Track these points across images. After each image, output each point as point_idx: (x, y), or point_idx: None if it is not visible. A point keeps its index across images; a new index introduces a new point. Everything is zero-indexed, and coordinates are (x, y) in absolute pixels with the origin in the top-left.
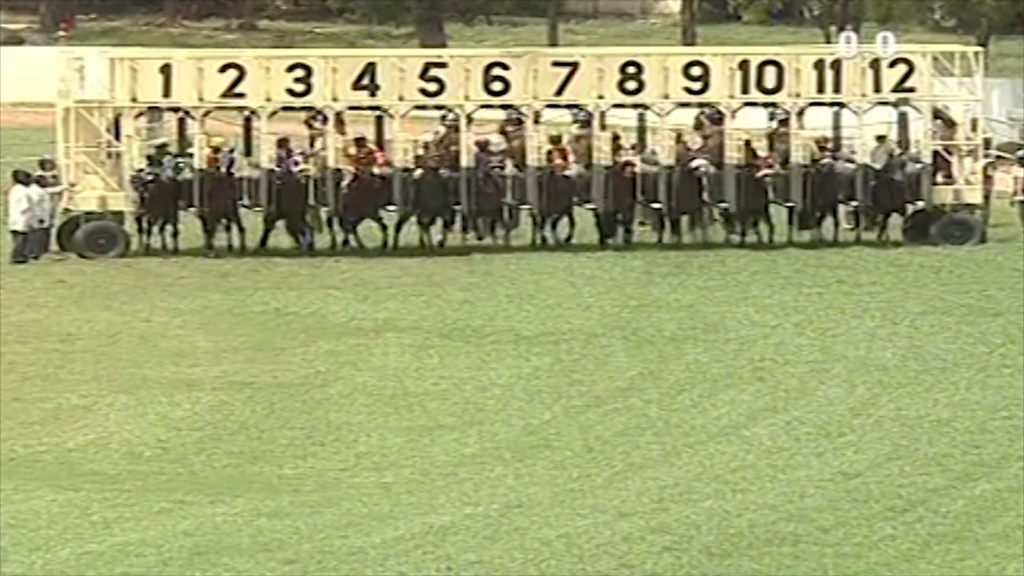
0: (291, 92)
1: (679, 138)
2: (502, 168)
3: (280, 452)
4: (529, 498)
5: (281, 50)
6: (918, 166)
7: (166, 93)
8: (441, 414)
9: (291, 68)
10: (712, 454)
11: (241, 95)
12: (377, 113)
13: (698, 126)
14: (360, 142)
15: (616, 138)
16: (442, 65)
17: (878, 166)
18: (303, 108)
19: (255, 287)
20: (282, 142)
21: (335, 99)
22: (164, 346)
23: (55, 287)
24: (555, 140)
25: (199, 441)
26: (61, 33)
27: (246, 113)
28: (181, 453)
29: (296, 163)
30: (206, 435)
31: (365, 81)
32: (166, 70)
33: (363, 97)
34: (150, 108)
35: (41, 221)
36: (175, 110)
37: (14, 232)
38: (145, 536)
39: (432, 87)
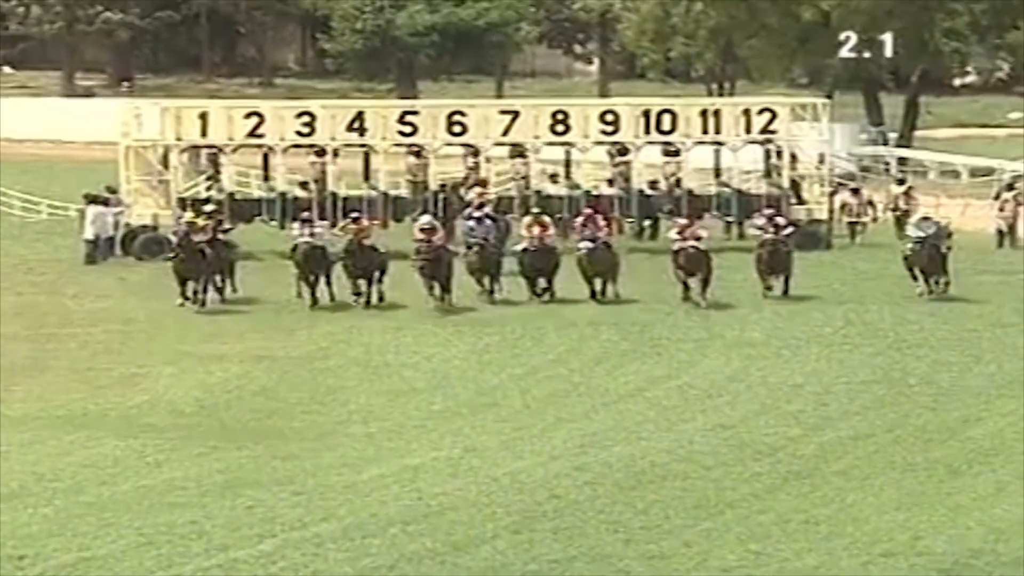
0: (299, 133)
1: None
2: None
3: (290, 409)
4: (481, 444)
5: (291, 101)
6: (778, 191)
7: (203, 134)
8: (414, 380)
9: (299, 115)
10: (622, 411)
11: (261, 135)
12: (365, 149)
13: (611, 158)
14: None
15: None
16: (415, 113)
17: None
18: (309, 145)
19: (271, 282)
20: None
21: (333, 138)
22: (201, 328)
23: (118, 283)
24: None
25: (228, 401)
26: (124, 88)
27: (264, 149)
28: (214, 410)
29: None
30: (233, 396)
31: (356, 124)
32: (203, 116)
33: (354, 137)
34: (191, 146)
35: (108, 232)
36: (210, 147)
37: (86, 240)
38: (187, 473)
39: (407, 129)
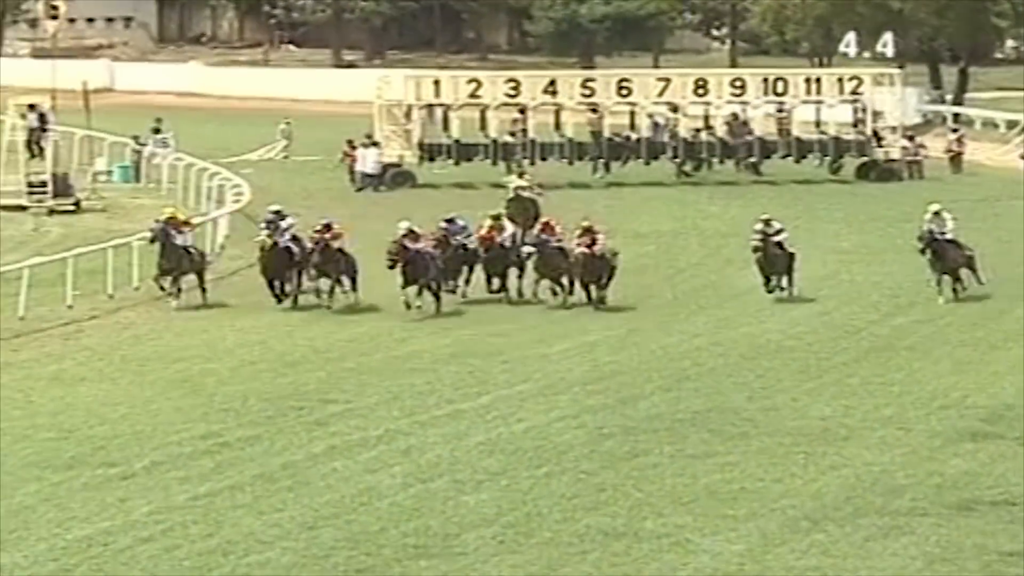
0: (507, 95)
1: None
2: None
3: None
4: (641, 326)
5: (501, 71)
6: (863, 137)
7: (436, 95)
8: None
9: (507, 81)
10: (745, 302)
11: (479, 96)
12: (556, 107)
13: (733, 118)
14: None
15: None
16: (593, 80)
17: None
18: (514, 104)
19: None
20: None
21: (532, 99)
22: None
23: (375, 205)
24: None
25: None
26: (377, 61)
27: (481, 107)
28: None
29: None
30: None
31: (550, 89)
32: (437, 82)
33: (548, 98)
34: (427, 105)
35: (371, 168)
36: (441, 106)
37: (362, 173)
38: (423, 347)
39: (587, 92)
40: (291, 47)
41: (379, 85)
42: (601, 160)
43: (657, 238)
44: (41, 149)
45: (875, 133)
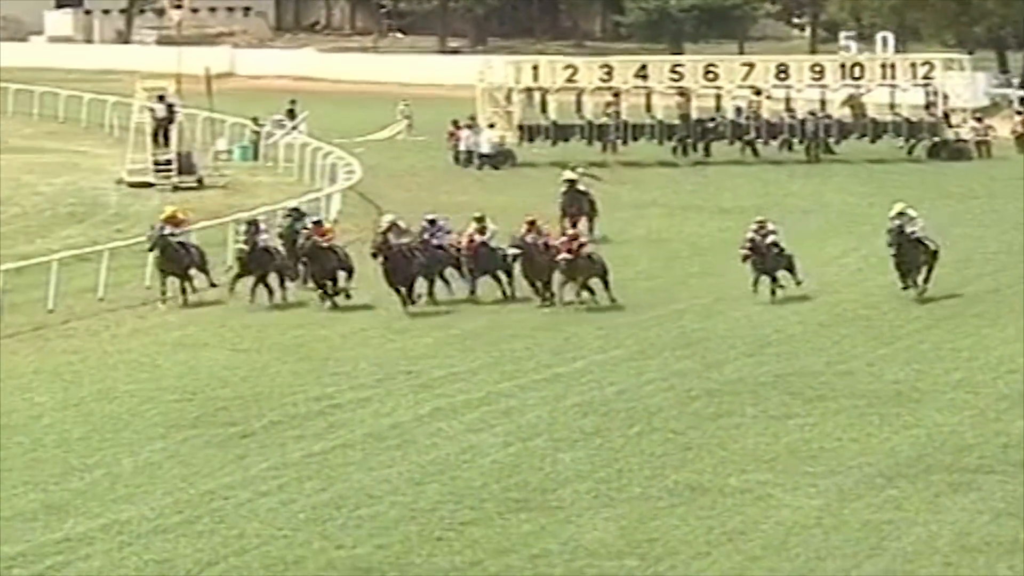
0: (601, 79)
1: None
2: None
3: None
4: (728, 295)
5: (595, 57)
6: (934, 119)
7: (535, 80)
8: (679, 250)
9: (602, 66)
10: (825, 273)
11: (575, 81)
12: (646, 91)
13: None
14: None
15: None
16: (681, 65)
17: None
18: (608, 88)
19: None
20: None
21: (624, 83)
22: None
23: (476, 183)
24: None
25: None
26: (480, 48)
27: (577, 91)
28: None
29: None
30: None
31: (641, 73)
32: (535, 67)
33: (639, 82)
34: (526, 88)
35: (487, 148)
36: (540, 89)
37: (478, 153)
38: (521, 317)
39: (676, 76)
40: (399, 35)
41: (482, 70)
42: (689, 140)
43: (740, 213)
44: (167, 139)
45: (946, 115)
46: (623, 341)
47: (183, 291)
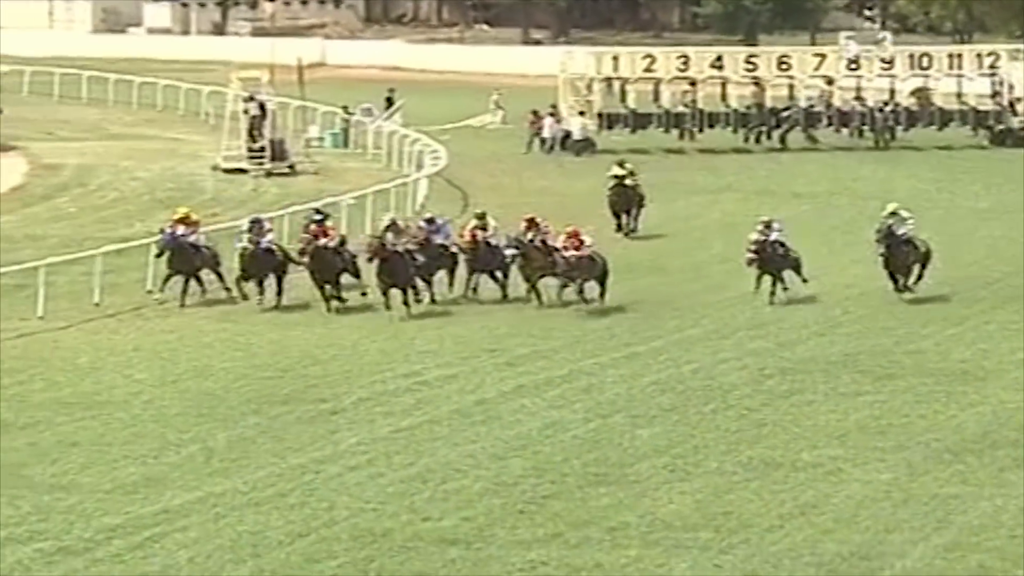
0: (678, 69)
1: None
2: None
3: (672, 251)
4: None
5: (673, 48)
6: (999, 108)
7: (615, 70)
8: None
9: (679, 57)
10: None
11: (653, 71)
12: (722, 80)
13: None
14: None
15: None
16: (756, 56)
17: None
18: (685, 77)
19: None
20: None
21: (700, 73)
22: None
23: (558, 169)
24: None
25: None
26: (561, 39)
27: (655, 81)
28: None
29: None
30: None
31: (716, 64)
32: (615, 58)
33: (715, 72)
34: (606, 78)
35: (555, 136)
36: (619, 79)
37: (541, 138)
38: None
39: (750, 67)
40: (484, 27)
41: (563, 61)
42: (763, 128)
43: (812, 198)
44: (261, 134)
45: (1011, 104)
46: (699, 321)
47: (184, 292)
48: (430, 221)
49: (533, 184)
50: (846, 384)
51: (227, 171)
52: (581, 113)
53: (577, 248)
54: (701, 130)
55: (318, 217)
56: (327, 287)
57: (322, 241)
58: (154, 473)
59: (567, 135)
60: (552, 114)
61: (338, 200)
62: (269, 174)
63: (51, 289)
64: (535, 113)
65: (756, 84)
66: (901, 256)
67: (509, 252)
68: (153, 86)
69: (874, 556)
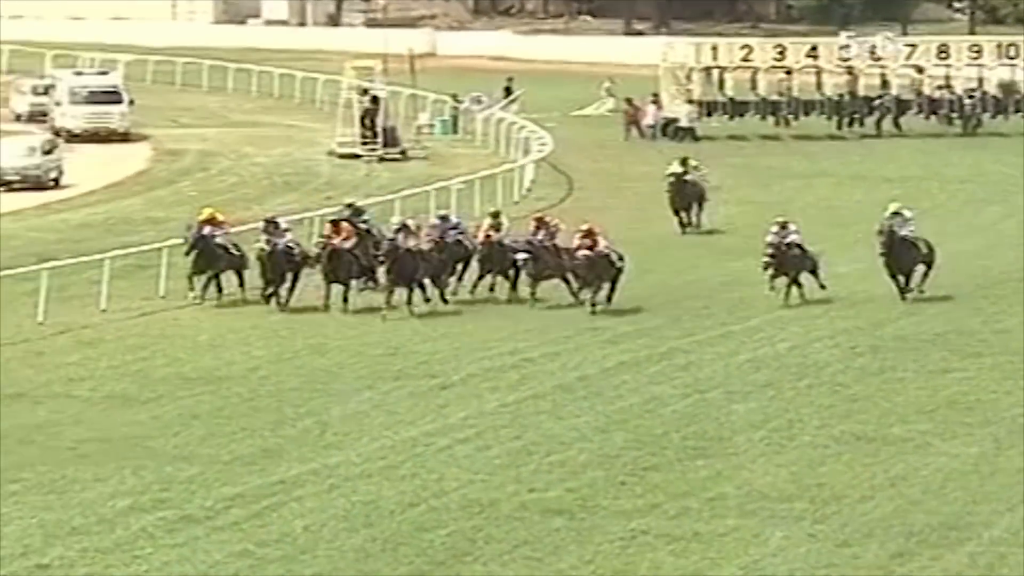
0: (774, 59)
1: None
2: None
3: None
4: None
5: (769, 39)
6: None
7: (713, 59)
8: None
9: (775, 47)
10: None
11: (750, 60)
12: (816, 70)
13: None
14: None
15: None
16: (849, 47)
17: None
18: (781, 67)
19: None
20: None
21: (796, 62)
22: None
23: (657, 155)
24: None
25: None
26: (662, 30)
27: (752, 70)
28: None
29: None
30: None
31: (811, 53)
32: (714, 48)
33: (810, 62)
34: (705, 68)
35: (686, 122)
36: (718, 68)
37: (639, 126)
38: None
39: (844, 56)
40: (587, 18)
41: (664, 50)
42: (856, 116)
43: (903, 183)
44: (374, 124)
45: None
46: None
47: (203, 288)
48: (444, 219)
49: (634, 169)
50: (935, 361)
51: (342, 156)
52: (689, 101)
53: (591, 247)
54: (796, 117)
55: (347, 214)
56: (342, 288)
57: (336, 241)
58: (271, 445)
59: (668, 122)
60: (654, 102)
61: (448, 184)
62: (381, 159)
63: (172, 270)
64: (629, 102)
65: (849, 73)
66: (901, 257)
67: (520, 257)
68: (270, 75)
69: (962, 527)
